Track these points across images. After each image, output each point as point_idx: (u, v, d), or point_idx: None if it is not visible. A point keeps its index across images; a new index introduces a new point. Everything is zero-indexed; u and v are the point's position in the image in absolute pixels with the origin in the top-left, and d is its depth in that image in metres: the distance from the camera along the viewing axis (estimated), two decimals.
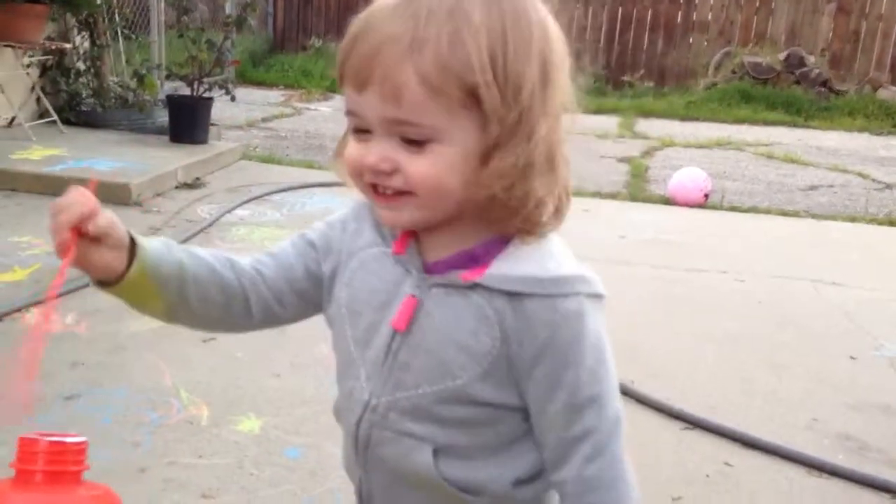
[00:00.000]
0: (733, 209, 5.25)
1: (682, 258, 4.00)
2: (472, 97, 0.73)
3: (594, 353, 0.80)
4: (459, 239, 0.82)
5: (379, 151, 0.77)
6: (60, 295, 2.85)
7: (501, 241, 0.81)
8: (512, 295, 0.79)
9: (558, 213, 0.81)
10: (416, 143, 0.76)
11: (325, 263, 0.91)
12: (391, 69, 0.73)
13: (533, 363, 0.80)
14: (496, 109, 0.74)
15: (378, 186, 0.79)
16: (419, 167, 0.76)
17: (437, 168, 0.76)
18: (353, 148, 0.80)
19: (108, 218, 0.82)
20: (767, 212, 5.25)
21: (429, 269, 0.84)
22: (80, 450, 0.75)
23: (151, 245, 0.85)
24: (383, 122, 0.76)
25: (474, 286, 0.80)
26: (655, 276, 3.71)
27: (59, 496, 0.73)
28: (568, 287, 0.79)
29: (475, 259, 0.81)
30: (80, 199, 0.80)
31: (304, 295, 0.92)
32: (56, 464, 0.73)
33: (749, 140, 7.94)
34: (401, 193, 0.78)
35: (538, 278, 0.79)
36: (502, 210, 0.78)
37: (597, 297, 0.81)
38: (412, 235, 0.84)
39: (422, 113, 0.74)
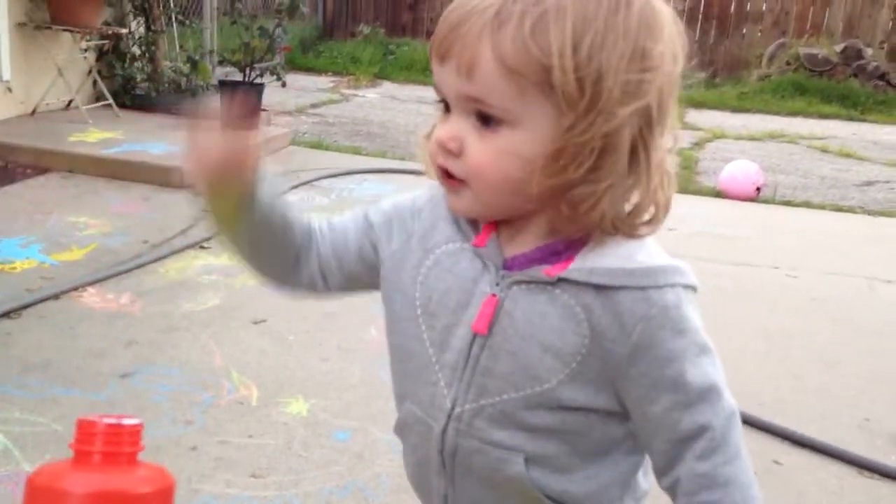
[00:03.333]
0: (786, 203, 5.15)
1: (732, 252, 3.94)
2: (548, 82, 0.69)
3: (698, 345, 0.75)
4: (541, 233, 0.77)
5: (451, 128, 0.74)
6: (116, 275, 2.92)
7: (586, 235, 0.76)
8: (600, 288, 0.74)
9: (648, 224, 0.75)
10: (489, 125, 0.72)
11: (384, 249, 0.86)
12: (470, 42, 0.70)
13: (629, 362, 0.75)
14: (571, 98, 0.69)
15: (445, 169, 0.76)
16: (480, 154, 0.73)
17: (499, 155, 0.72)
18: (437, 127, 0.77)
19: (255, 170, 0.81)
20: (821, 207, 5.14)
21: (507, 266, 0.78)
22: (135, 431, 0.76)
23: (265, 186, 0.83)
24: (458, 97, 0.73)
25: (558, 281, 0.75)
26: (705, 270, 3.65)
27: (115, 476, 0.74)
28: (663, 278, 0.75)
29: (557, 253, 0.76)
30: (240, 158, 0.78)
31: (352, 276, 0.89)
32: (113, 445, 0.74)
33: (803, 133, 7.77)
34: (457, 179, 0.75)
35: (628, 270, 0.74)
36: (572, 211, 0.73)
37: (692, 288, 0.77)
38: (494, 228, 0.79)
39: (492, 91, 0.70)
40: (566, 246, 0.76)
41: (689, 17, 10.66)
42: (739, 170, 5.26)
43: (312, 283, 0.90)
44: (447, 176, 0.76)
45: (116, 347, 2.42)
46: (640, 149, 0.72)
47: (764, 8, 10.60)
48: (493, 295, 0.78)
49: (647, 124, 0.72)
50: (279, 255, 0.89)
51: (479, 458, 0.81)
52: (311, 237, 0.89)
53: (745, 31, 10.60)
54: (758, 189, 5.18)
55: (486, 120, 0.72)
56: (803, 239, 4.35)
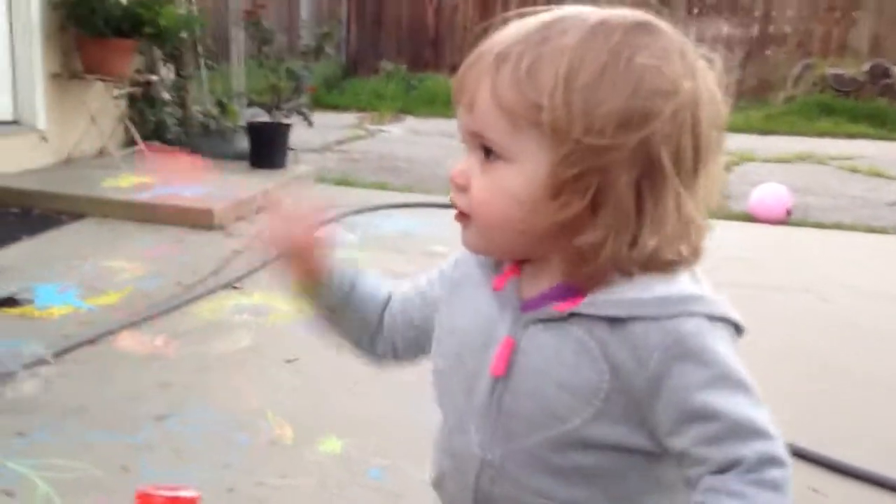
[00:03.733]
0: (817, 225, 5.10)
1: (763, 276, 3.91)
2: (540, 120, 0.71)
3: (728, 378, 0.71)
4: (557, 273, 0.78)
5: (461, 164, 0.78)
6: (150, 317, 2.97)
7: (603, 273, 0.75)
8: (613, 321, 0.73)
9: (669, 266, 0.74)
10: (489, 158, 0.75)
11: (437, 312, 0.89)
12: (473, 80, 0.75)
13: (652, 396, 0.72)
14: (561, 136, 0.70)
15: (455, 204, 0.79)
16: (480, 187, 0.75)
17: (495, 189, 0.74)
18: None
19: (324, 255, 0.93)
20: (852, 228, 5.08)
21: (525, 307, 0.79)
22: (192, 502, 0.78)
23: (337, 279, 0.94)
24: (466, 132, 0.77)
25: (571, 316, 0.75)
26: (736, 295, 3.56)
27: None
28: (680, 307, 0.72)
29: (572, 290, 0.76)
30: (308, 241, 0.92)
31: (422, 348, 0.93)
32: None
33: (832, 153, 7.71)
34: (465, 214, 0.78)
35: (642, 300, 0.72)
36: (577, 254, 0.73)
37: (723, 321, 0.74)
38: (516, 271, 0.81)
39: (490, 126, 0.73)
40: (583, 283, 0.76)
41: (712, 42, 10.64)
42: (769, 193, 5.22)
43: (387, 355, 0.97)
44: (458, 211, 0.79)
45: (152, 390, 2.45)
46: (645, 195, 0.72)
47: (788, 30, 10.58)
48: (510, 337, 0.79)
49: (648, 171, 0.72)
50: (355, 331, 0.97)
51: None
52: (385, 315, 0.95)
53: (769, 52, 10.58)
54: (788, 211, 5.13)
55: (487, 153, 0.75)
56: (836, 261, 4.30)
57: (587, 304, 0.74)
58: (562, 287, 0.77)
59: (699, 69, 0.75)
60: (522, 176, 0.72)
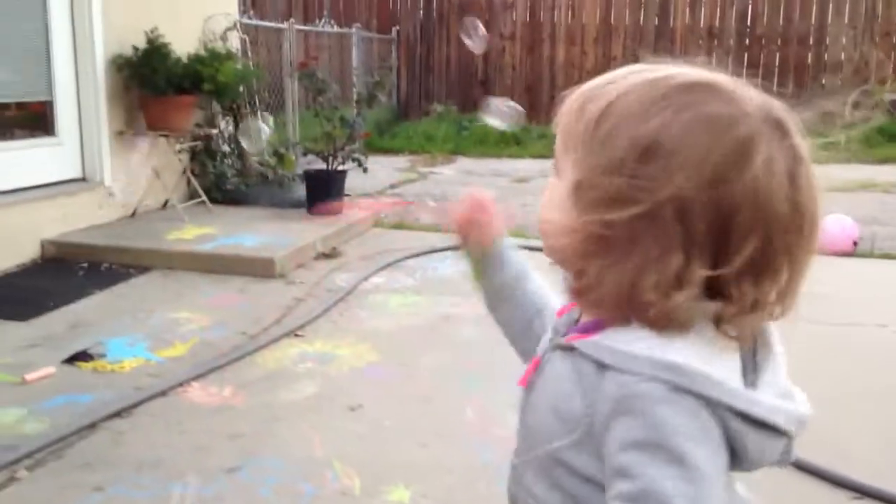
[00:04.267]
0: (886, 256, 4.95)
1: (835, 311, 3.79)
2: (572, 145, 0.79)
3: (665, 449, 0.69)
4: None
5: None
6: (217, 368, 3.01)
7: (612, 313, 0.77)
8: (599, 365, 0.75)
9: (659, 322, 0.73)
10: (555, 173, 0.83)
11: None
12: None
13: (600, 444, 0.74)
14: (577, 161, 0.77)
15: None
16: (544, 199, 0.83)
17: (546, 200, 0.82)
18: None
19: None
20: None
21: (566, 332, 0.84)
22: None
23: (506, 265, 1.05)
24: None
25: (573, 349, 0.78)
26: (808, 332, 3.50)
27: None
28: (645, 369, 0.72)
29: (598, 326, 0.78)
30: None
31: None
32: None
33: (895, 181, 7.51)
34: None
35: (621, 352, 0.74)
36: (578, 283, 0.78)
37: (694, 395, 0.70)
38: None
39: (557, 144, 0.82)
40: (608, 321, 0.77)
41: (765, 72, 10.56)
42: (833, 224, 5.09)
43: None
44: None
45: (222, 441, 2.48)
46: (648, 243, 0.73)
47: (843, 57, 10.42)
48: (539, 356, 0.86)
49: (651, 219, 0.72)
50: (513, 318, 1.05)
51: None
52: (535, 321, 1.02)
53: (824, 81, 10.42)
54: (854, 243, 5.00)
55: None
56: None
57: (587, 343, 0.77)
58: (594, 321, 0.80)
59: (755, 152, 0.72)
60: (565, 189, 0.79)
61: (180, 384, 2.87)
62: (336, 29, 10.32)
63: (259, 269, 4.24)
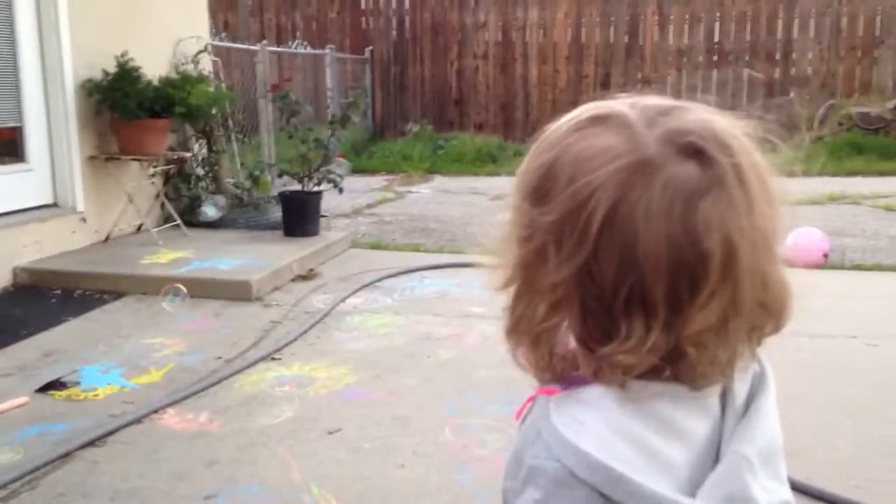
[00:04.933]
0: (856, 268, 5.02)
1: (807, 323, 3.79)
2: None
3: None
4: None
5: None
6: (193, 394, 2.98)
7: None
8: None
9: (609, 368, 0.69)
10: None
11: None
12: None
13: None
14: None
15: None
16: None
17: None
18: None
19: None
20: (894, 269, 5.00)
21: None
22: None
23: None
24: None
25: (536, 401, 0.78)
26: (780, 345, 3.56)
27: None
28: (557, 446, 0.69)
29: (579, 381, 0.74)
30: None
31: None
32: None
33: (865, 193, 7.63)
34: None
35: (549, 420, 0.71)
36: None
37: (590, 487, 0.66)
38: None
39: None
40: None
41: (734, 86, 10.71)
42: (804, 237, 5.16)
43: None
44: None
45: (199, 468, 2.46)
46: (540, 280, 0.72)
47: (810, 71, 10.60)
48: (533, 395, 0.82)
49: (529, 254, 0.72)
50: None
51: None
52: None
53: (792, 94, 10.60)
54: (825, 255, 5.07)
55: None
56: (880, 304, 4.22)
57: (541, 399, 0.76)
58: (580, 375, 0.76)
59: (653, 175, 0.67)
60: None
61: (156, 411, 2.84)
62: (309, 50, 10.34)
63: (235, 292, 4.22)
